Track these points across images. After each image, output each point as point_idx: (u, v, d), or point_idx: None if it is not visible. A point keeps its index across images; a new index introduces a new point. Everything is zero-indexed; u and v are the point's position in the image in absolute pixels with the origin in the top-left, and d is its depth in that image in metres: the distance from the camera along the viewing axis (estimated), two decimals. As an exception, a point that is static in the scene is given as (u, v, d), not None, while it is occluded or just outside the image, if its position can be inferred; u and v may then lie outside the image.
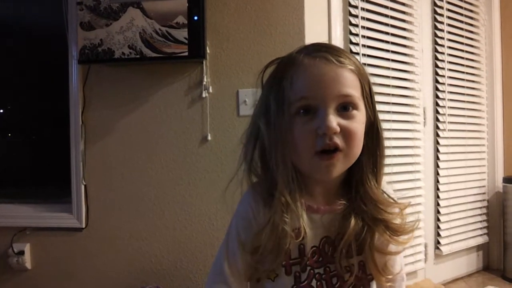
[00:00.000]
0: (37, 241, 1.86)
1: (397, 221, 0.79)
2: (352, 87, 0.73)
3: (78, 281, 1.82)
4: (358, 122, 0.74)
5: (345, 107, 0.73)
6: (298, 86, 0.73)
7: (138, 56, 1.63)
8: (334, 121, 0.71)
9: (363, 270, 0.80)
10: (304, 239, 0.75)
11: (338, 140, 0.72)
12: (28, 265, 1.85)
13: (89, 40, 1.66)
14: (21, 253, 1.83)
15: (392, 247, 0.81)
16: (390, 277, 0.81)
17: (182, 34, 1.61)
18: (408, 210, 0.82)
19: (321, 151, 0.72)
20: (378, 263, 0.79)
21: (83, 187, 1.80)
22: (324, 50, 0.75)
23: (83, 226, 1.80)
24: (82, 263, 1.81)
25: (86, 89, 1.80)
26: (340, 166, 0.74)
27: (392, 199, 0.82)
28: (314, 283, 0.78)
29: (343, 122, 0.72)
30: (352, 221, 0.76)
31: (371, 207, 0.78)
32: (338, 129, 0.71)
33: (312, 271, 0.78)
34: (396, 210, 0.80)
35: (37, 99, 2.25)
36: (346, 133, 0.72)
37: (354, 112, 0.74)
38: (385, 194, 0.81)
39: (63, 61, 1.84)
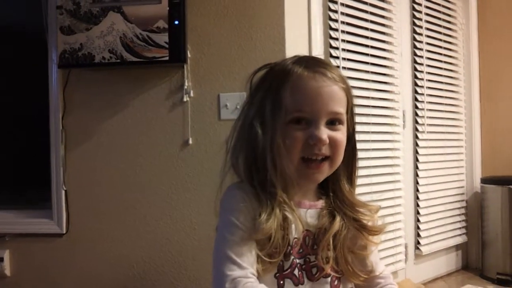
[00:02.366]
0: (17, 247, 1.84)
1: (370, 221, 0.88)
2: (342, 106, 0.83)
3: (58, 287, 1.80)
4: (342, 134, 0.84)
5: (332, 122, 0.82)
6: (297, 98, 0.80)
7: (118, 60, 1.63)
8: (325, 133, 0.80)
9: (337, 263, 0.86)
10: (288, 230, 0.81)
11: (325, 151, 0.81)
12: (8, 272, 1.83)
13: (69, 45, 1.65)
14: (0, 260, 1.81)
15: (364, 247, 0.89)
16: (366, 277, 0.89)
17: (162, 38, 1.62)
18: (379, 213, 0.91)
19: (308, 159, 0.80)
20: (349, 260, 0.87)
21: (63, 192, 1.79)
22: (322, 66, 0.83)
23: (64, 231, 1.79)
24: (62, 269, 1.80)
25: (66, 93, 1.79)
26: (326, 173, 0.84)
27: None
28: (296, 272, 0.83)
29: (331, 133, 0.81)
30: (338, 219, 0.85)
31: (349, 208, 0.87)
32: (327, 141, 0.79)
33: (295, 260, 0.83)
34: (369, 211, 0.89)
35: (16, 103, 2.22)
36: (333, 143, 0.81)
37: (340, 126, 0.83)
38: (358, 198, 0.90)
39: (43, 65, 1.82)
